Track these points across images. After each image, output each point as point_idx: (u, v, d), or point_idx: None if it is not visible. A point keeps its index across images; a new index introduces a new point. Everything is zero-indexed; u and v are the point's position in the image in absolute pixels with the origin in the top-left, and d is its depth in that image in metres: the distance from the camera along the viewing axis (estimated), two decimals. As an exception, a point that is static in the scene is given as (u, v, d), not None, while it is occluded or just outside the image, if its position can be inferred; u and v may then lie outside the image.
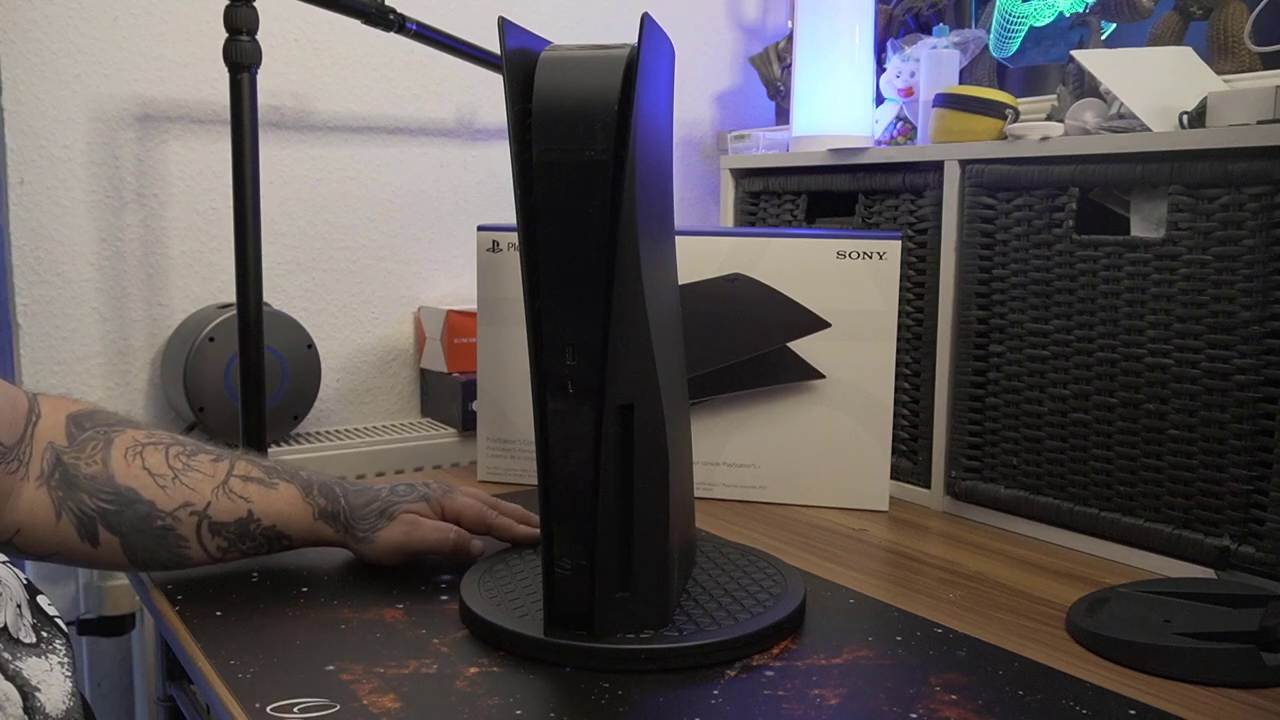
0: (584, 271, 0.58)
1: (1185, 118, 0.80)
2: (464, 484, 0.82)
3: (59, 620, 0.52)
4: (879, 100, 1.20)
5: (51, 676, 0.49)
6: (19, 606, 0.49)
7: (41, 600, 0.52)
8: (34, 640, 0.49)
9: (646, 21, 0.56)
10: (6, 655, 0.47)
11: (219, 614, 0.68)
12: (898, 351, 0.96)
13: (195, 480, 0.69)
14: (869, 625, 0.68)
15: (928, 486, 0.98)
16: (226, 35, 0.92)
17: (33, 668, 0.48)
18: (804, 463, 0.96)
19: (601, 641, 0.61)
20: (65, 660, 0.50)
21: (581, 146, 0.57)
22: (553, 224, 0.58)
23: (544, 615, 0.63)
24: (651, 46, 0.57)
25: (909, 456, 1.01)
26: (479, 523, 0.77)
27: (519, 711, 0.56)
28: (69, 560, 0.67)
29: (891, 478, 0.97)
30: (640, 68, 0.56)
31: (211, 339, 1.05)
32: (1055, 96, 1.01)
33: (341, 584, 0.73)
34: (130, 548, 0.67)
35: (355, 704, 0.56)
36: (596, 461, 0.60)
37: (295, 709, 0.56)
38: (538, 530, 0.70)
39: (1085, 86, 0.97)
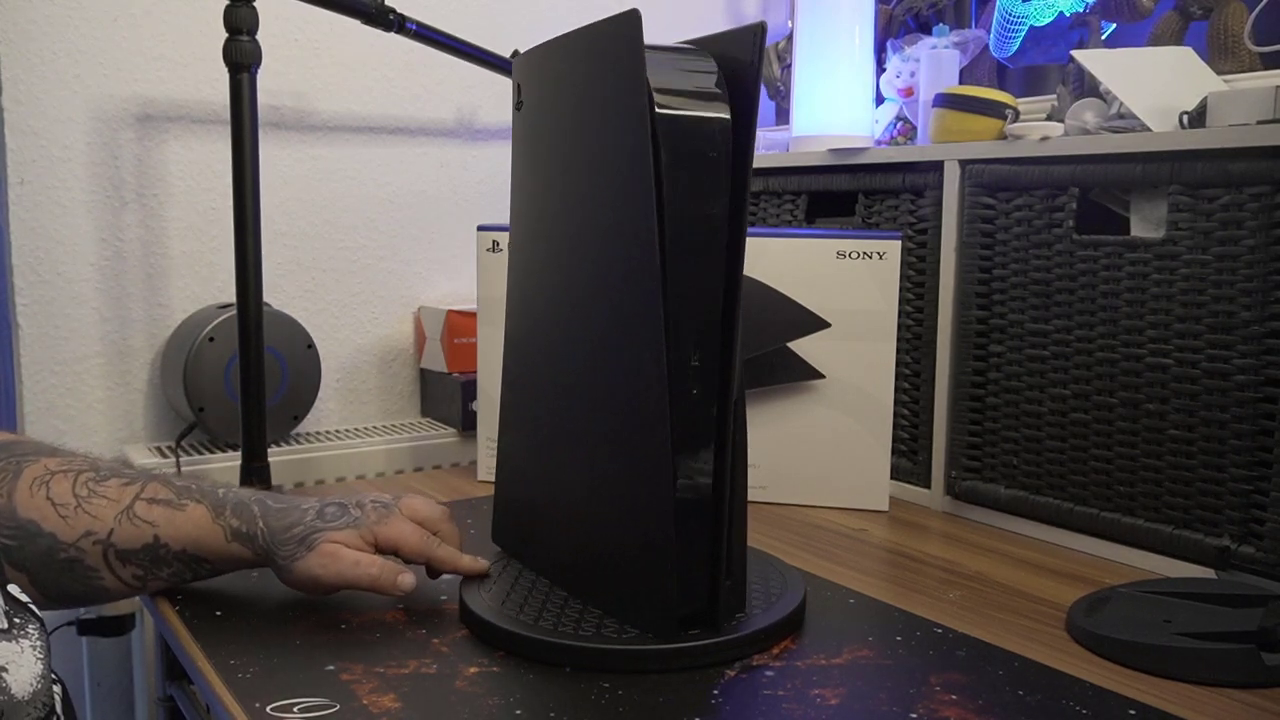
0: (711, 268, 0.60)
1: (1185, 118, 0.80)
2: (462, 484, 0.82)
3: (32, 607, 0.53)
4: (879, 100, 1.20)
5: (22, 658, 0.50)
6: None
7: (13, 589, 0.52)
8: (5, 625, 0.51)
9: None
10: None
11: (219, 614, 0.68)
12: (898, 351, 0.96)
13: (98, 507, 0.65)
14: (869, 625, 0.68)
15: (928, 486, 0.98)
16: (226, 35, 0.92)
17: (2, 650, 0.49)
18: (804, 463, 0.96)
19: (601, 642, 0.61)
20: (38, 644, 0.51)
21: (708, 148, 0.59)
22: (683, 223, 0.59)
23: (653, 618, 0.61)
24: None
25: (909, 456, 1.01)
26: (418, 554, 0.69)
27: (519, 711, 0.56)
28: None
29: (891, 478, 0.97)
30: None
31: (211, 339, 1.05)
32: (1055, 96, 1.01)
33: (341, 584, 0.73)
34: (40, 583, 0.64)
35: (355, 704, 0.56)
36: (719, 457, 0.61)
37: (295, 709, 0.56)
38: (485, 563, 0.71)
39: (1085, 86, 0.97)
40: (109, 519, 0.65)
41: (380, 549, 0.68)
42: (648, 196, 0.57)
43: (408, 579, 0.67)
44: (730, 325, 0.60)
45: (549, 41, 0.68)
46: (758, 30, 0.58)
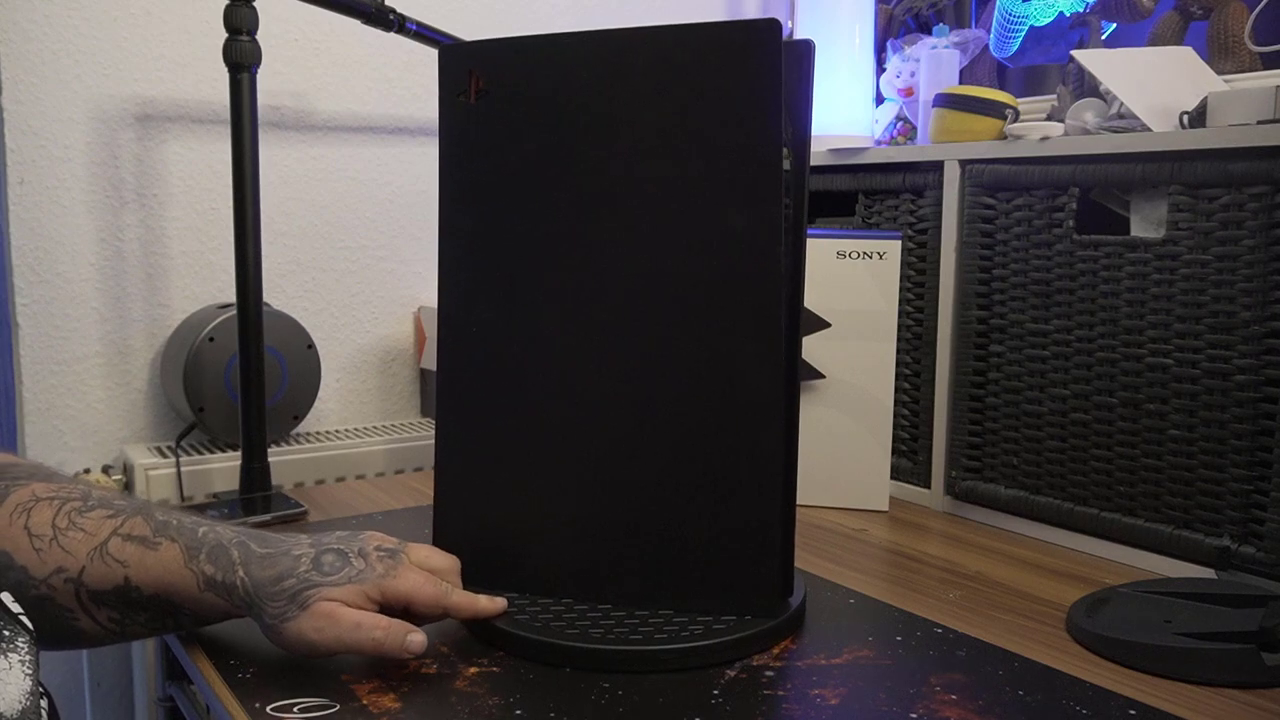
0: (795, 263, 0.66)
1: (1185, 118, 0.80)
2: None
3: (23, 618, 0.50)
4: (879, 100, 1.20)
5: (10, 674, 0.47)
6: None
7: (5, 597, 0.50)
8: None
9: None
10: None
11: (219, 614, 0.68)
12: (898, 351, 0.96)
13: (73, 541, 0.58)
14: (869, 625, 0.68)
15: (928, 486, 0.98)
16: (226, 35, 0.92)
17: None
18: (804, 463, 0.95)
19: (601, 642, 0.61)
20: (27, 658, 0.48)
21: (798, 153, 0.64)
22: (785, 223, 0.63)
23: (759, 599, 0.64)
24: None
25: (909, 456, 1.01)
26: (433, 606, 0.61)
27: (519, 711, 0.56)
28: None
29: (891, 478, 0.97)
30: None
31: (211, 339, 1.05)
32: (1055, 96, 1.01)
33: (341, 584, 0.73)
34: None
35: (355, 704, 0.56)
36: (790, 439, 0.66)
37: (295, 709, 0.56)
38: (503, 600, 0.65)
39: (1085, 86, 0.97)
40: (81, 555, 0.58)
41: (387, 605, 0.60)
42: (775, 202, 0.61)
43: (417, 640, 0.59)
44: (796, 315, 0.65)
45: (560, 36, 0.65)
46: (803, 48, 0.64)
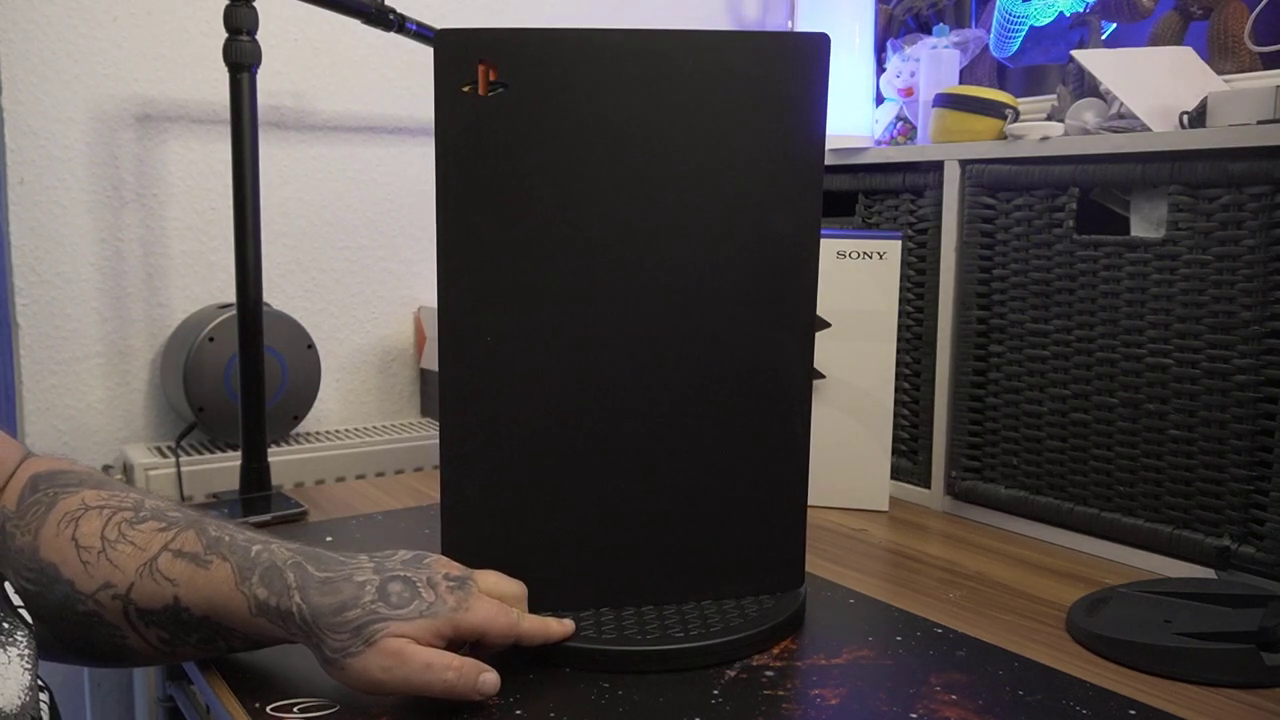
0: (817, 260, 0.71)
1: (1185, 118, 0.80)
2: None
3: (22, 611, 0.49)
4: (879, 100, 1.20)
5: (9, 669, 0.45)
6: None
7: (8, 587, 0.48)
8: None
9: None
10: None
11: (219, 614, 0.68)
12: (898, 351, 0.96)
13: (122, 555, 0.55)
14: (869, 625, 0.68)
15: (928, 486, 0.98)
16: (226, 35, 0.92)
17: None
18: (804, 463, 0.96)
19: (601, 642, 0.61)
20: (26, 653, 0.47)
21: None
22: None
23: (786, 576, 0.69)
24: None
25: (909, 456, 1.01)
26: (507, 638, 0.58)
27: (519, 711, 0.56)
28: None
29: (891, 478, 0.97)
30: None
31: (211, 339, 1.05)
32: (1055, 96, 1.01)
33: (341, 584, 0.73)
34: (61, 635, 0.56)
35: (355, 704, 0.56)
36: (807, 424, 0.70)
37: (295, 709, 0.56)
38: (571, 623, 0.62)
39: (1085, 86, 0.97)
40: (130, 571, 0.55)
41: (458, 639, 0.56)
42: (816, 206, 0.65)
43: (490, 679, 0.55)
44: (814, 310, 0.68)
45: (601, 31, 0.63)
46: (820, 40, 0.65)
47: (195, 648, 0.57)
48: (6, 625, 0.47)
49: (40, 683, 0.49)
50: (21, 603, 0.50)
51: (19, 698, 0.45)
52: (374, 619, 0.54)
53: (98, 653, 0.57)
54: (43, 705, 0.49)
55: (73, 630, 0.56)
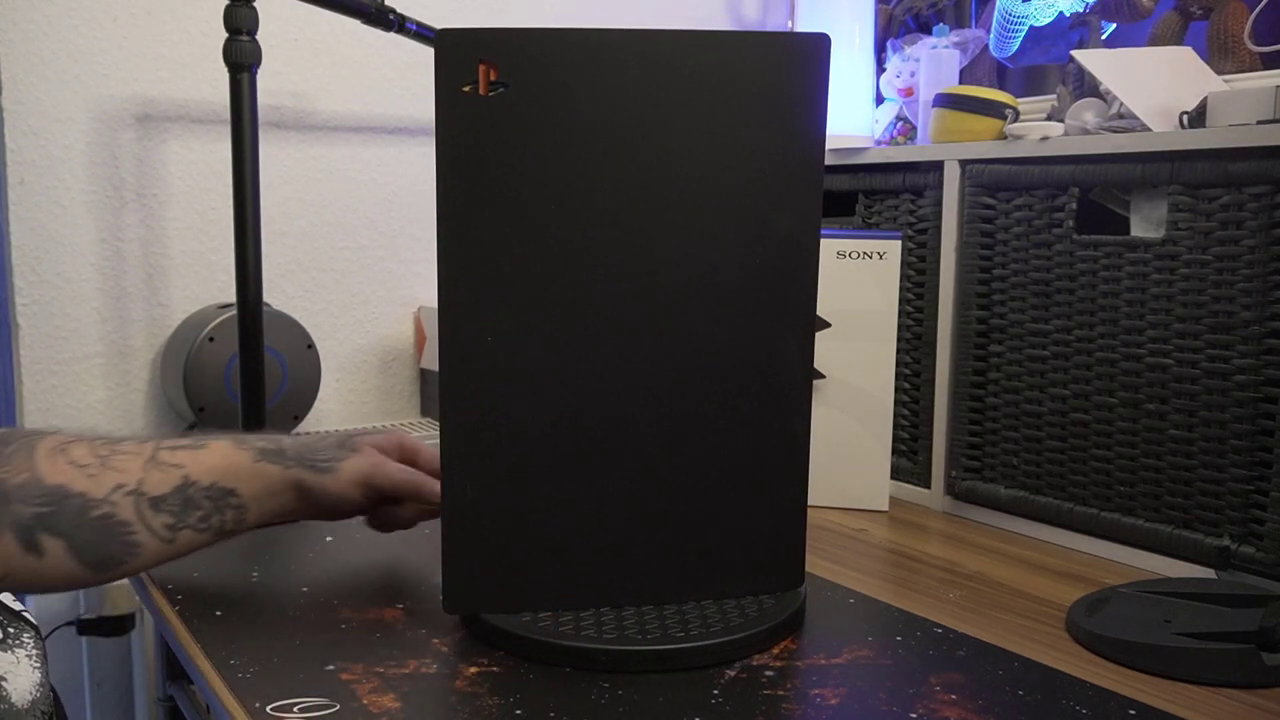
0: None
1: (1185, 118, 0.80)
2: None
3: (26, 614, 0.52)
4: (879, 100, 1.20)
5: (19, 668, 0.50)
6: None
7: (6, 598, 0.52)
8: (1, 636, 0.50)
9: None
10: None
11: (219, 614, 0.68)
12: (898, 351, 0.96)
13: (122, 461, 0.65)
14: (869, 625, 0.68)
15: (928, 486, 0.98)
16: (226, 35, 0.92)
17: (0, 661, 0.49)
18: (804, 463, 0.96)
19: (601, 642, 0.61)
20: (34, 652, 0.51)
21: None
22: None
23: (787, 574, 0.69)
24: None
25: (909, 456, 1.01)
26: (432, 472, 0.72)
27: (519, 711, 0.56)
28: (20, 583, 0.62)
29: (891, 478, 0.97)
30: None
31: (211, 339, 1.05)
32: (1055, 96, 1.01)
33: (341, 584, 0.73)
34: (76, 547, 0.63)
35: (355, 704, 0.56)
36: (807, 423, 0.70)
37: (295, 709, 0.56)
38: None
39: (1085, 86, 0.97)
40: (136, 469, 0.65)
41: (404, 458, 0.72)
42: (816, 206, 0.65)
43: (436, 487, 0.68)
44: (814, 307, 0.69)
45: (601, 31, 0.63)
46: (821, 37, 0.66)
47: (193, 528, 0.66)
48: (12, 629, 0.51)
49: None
50: (23, 606, 0.52)
51: (30, 694, 0.49)
52: (349, 436, 0.71)
53: (111, 555, 0.64)
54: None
55: (89, 536, 0.63)
